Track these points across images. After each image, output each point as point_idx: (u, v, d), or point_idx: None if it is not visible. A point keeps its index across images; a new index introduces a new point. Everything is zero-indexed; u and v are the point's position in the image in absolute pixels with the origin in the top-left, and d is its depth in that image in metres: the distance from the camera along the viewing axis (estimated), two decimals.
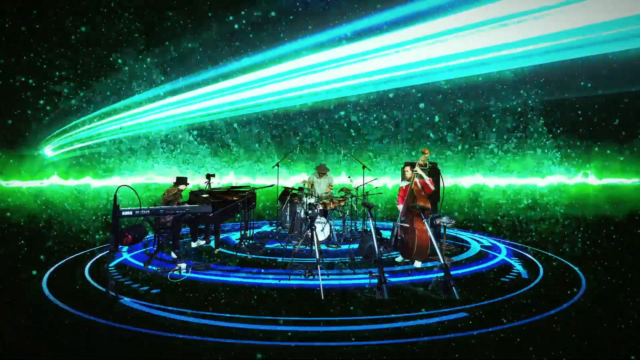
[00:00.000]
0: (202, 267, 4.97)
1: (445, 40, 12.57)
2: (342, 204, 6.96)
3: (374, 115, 14.86)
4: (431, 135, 15.01)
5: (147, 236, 6.83)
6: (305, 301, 3.89)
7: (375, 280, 4.02)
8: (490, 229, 8.73)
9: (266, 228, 8.55)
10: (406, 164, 5.44)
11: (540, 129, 14.54)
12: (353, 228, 7.76)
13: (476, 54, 12.63)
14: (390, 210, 11.52)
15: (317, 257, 4.45)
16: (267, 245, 6.50)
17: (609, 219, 10.27)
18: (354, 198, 7.29)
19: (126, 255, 5.75)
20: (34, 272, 4.65)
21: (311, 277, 4.62)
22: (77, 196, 14.16)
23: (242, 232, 6.42)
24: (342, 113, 14.82)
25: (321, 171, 7.32)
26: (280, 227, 7.79)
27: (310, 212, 5.81)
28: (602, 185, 14.56)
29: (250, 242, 6.55)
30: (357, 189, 7.13)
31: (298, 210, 6.78)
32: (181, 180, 5.94)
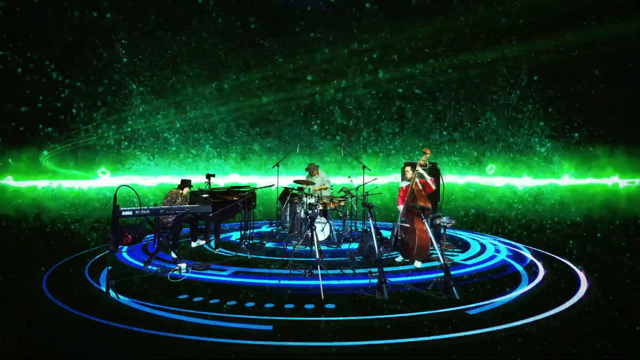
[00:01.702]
0: (202, 267, 4.96)
1: None
2: (342, 204, 6.96)
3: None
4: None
5: (148, 236, 6.86)
6: (305, 300, 3.88)
7: (376, 280, 4.02)
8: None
9: (266, 228, 8.56)
10: (406, 164, 5.44)
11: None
12: (353, 228, 7.76)
13: None
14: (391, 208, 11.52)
15: (317, 257, 4.45)
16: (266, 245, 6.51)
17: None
18: (354, 198, 7.29)
19: (126, 255, 5.74)
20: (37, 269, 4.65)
21: (311, 277, 4.62)
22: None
23: (242, 232, 6.41)
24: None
25: (310, 170, 7.33)
26: (280, 227, 7.79)
27: (310, 212, 5.80)
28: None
29: (250, 242, 6.55)
30: (357, 188, 7.13)
31: (298, 210, 6.78)
32: (185, 183, 5.94)
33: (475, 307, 3.70)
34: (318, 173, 7.36)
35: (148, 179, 14.90)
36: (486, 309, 3.65)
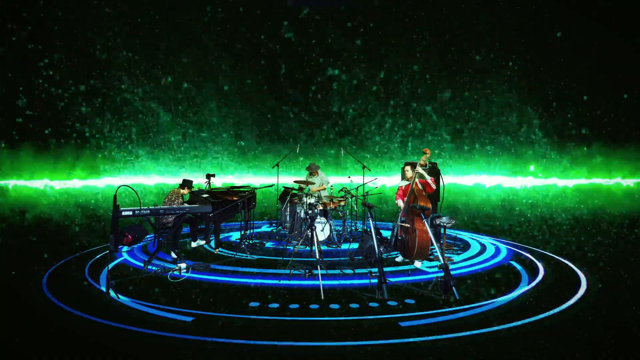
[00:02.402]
0: (202, 267, 4.97)
1: None
2: (342, 204, 6.96)
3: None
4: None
5: (147, 236, 6.86)
6: (305, 300, 3.88)
7: (376, 280, 4.02)
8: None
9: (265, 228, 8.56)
10: (406, 164, 5.44)
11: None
12: (353, 228, 7.76)
13: None
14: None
15: (317, 257, 4.45)
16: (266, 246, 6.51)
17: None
18: (354, 198, 7.29)
19: (126, 255, 5.74)
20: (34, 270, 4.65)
21: (311, 277, 4.63)
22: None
23: (242, 232, 6.41)
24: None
25: (311, 170, 7.33)
26: (280, 227, 7.79)
27: (310, 212, 5.80)
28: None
29: (250, 241, 6.55)
30: (356, 188, 7.13)
31: (298, 210, 6.78)
32: (186, 184, 5.93)
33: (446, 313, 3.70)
34: (318, 173, 7.37)
35: (122, 179, 14.25)
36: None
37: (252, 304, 3.74)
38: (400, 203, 5.32)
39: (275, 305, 3.74)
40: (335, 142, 14.32)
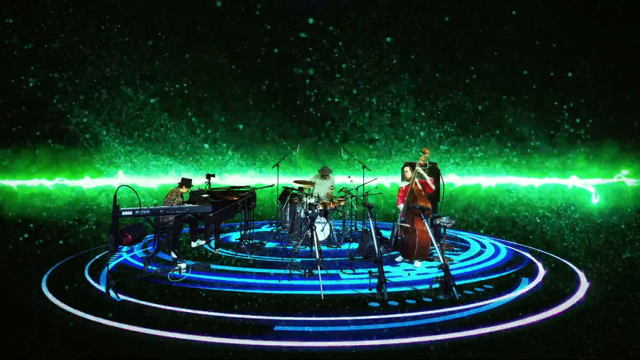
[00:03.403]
0: (202, 268, 4.97)
1: None
2: (342, 204, 6.96)
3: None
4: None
5: (147, 236, 6.86)
6: (305, 300, 3.89)
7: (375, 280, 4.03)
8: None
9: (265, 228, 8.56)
10: (406, 164, 5.44)
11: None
12: (353, 228, 7.76)
13: None
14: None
15: (317, 257, 4.45)
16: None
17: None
18: (354, 198, 7.29)
19: (126, 256, 5.74)
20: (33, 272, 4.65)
21: (311, 277, 4.63)
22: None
23: (242, 232, 6.41)
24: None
25: (323, 173, 7.32)
26: (280, 227, 7.79)
27: (310, 212, 5.81)
28: None
29: (250, 241, 6.55)
30: (356, 188, 7.13)
31: (298, 210, 6.78)
32: (185, 182, 5.93)
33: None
34: (329, 177, 7.39)
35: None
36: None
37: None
38: (402, 207, 5.31)
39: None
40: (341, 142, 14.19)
